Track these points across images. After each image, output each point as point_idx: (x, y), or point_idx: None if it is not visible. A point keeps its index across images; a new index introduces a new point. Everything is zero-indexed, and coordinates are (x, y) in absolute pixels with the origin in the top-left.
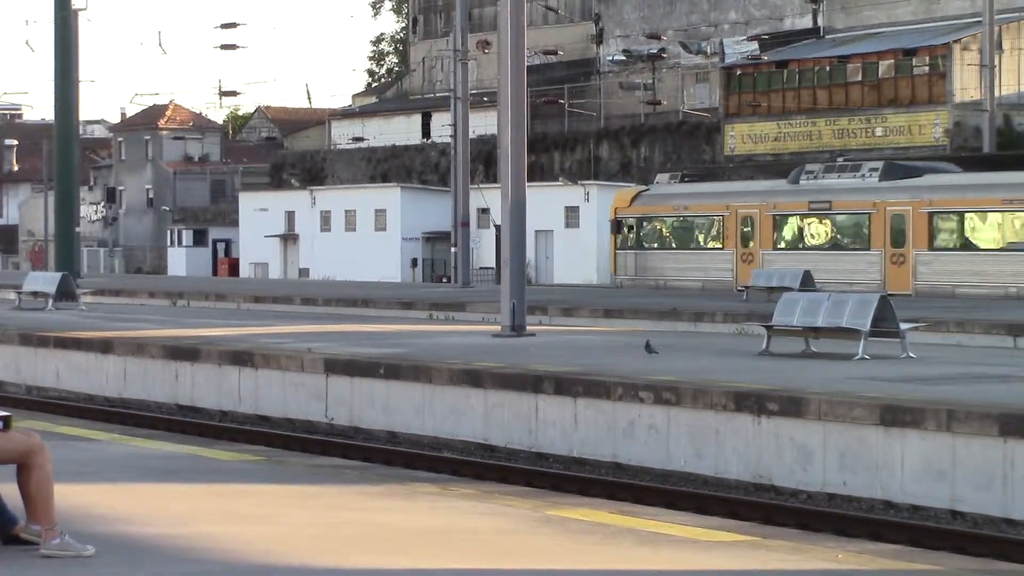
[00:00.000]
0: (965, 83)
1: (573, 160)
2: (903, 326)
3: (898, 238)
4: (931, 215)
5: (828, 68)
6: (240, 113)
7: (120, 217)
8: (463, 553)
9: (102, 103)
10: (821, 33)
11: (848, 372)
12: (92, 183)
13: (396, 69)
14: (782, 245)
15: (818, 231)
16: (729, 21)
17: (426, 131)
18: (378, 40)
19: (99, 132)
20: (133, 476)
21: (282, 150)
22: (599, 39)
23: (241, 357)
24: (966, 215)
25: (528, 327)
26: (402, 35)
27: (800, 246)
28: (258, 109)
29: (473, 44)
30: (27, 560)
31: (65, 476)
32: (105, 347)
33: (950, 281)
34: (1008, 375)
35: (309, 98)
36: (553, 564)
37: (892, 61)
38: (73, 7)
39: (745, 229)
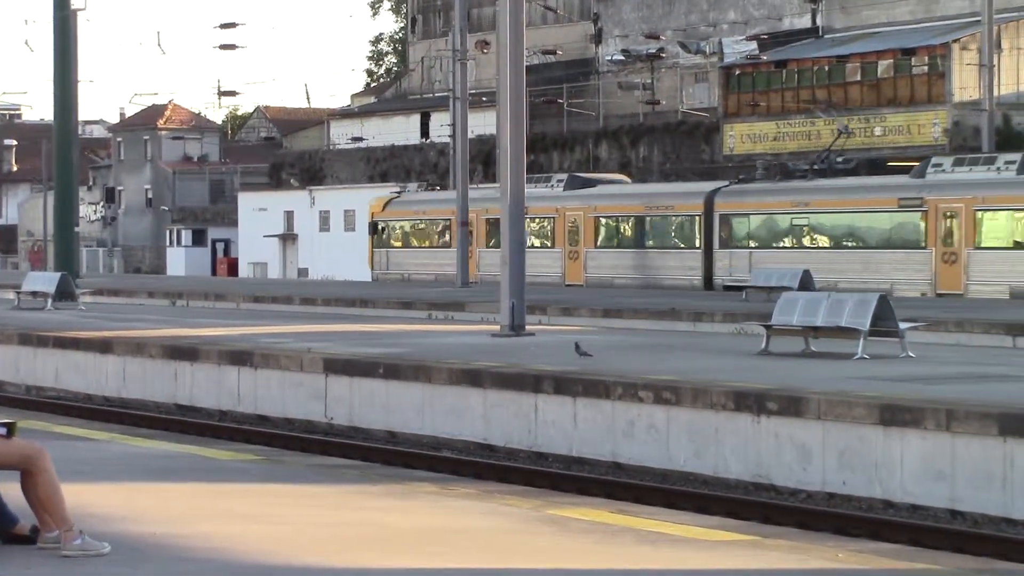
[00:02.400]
0: (964, 83)
1: (572, 160)
2: (902, 325)
3: (573, 237)
4: (596, 219)
5: (827, 68)
6: (239, 113)
7: (119, 217)
8: (463, 553)
9: (101, 103)
10: (820, 33)
11: (847, 371)
12: (91, 183)
13: (395, 69)
14: (492, 244)
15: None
16: (728, 21)
17: (425, 131)
18: (377, 40)
19: (98, 132)
20: (132, 475)
21: (281, 150)
22: (598, 39)
23: (240, 357)
24: (626, 220)
25: (527, 326)
26: (401, 35)
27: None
28: (257, 109)
29: (472, 44)
30: (25, 559)
31: (64, 476)
32: (104, 347)
33: (611, 273)
34: (1007, 375)
35: (308, 98)
36: (553, 564)
37: (891, 61)
38: (72, 7)
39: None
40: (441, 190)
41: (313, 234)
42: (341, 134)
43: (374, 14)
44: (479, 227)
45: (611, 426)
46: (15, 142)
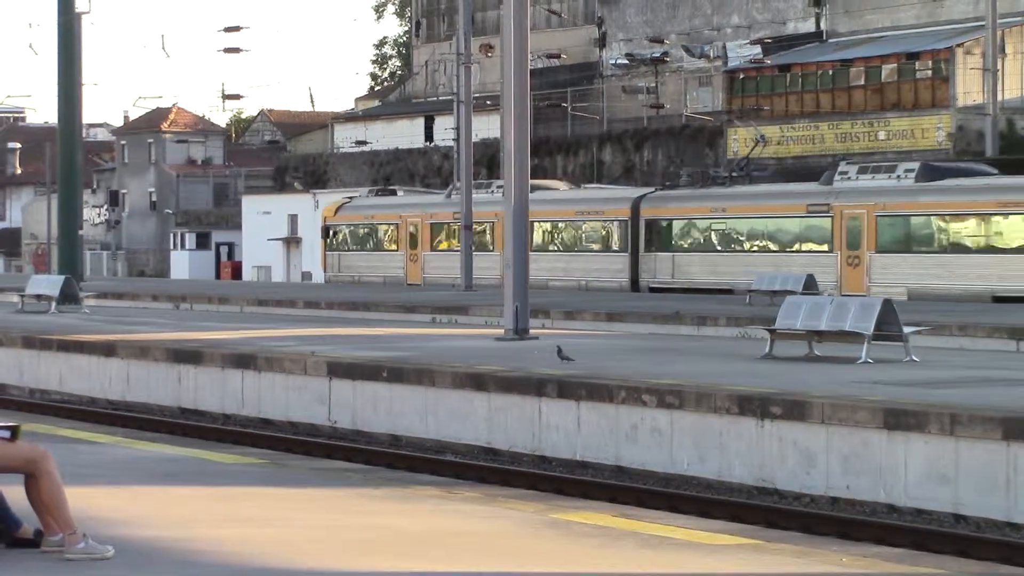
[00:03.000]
0: (968, 87)
1: (576, 163)
2: (906, 329)
3: (481, 242)
4: (532, 224)
5: (831, 72)
6: (243, 116)
7: (123, 220)
8: (466, 556)
9: (105, 106)
10: (824, 37)
11: (851, 376)
12: (95, 186)
13: (399, 72)
14: (439, 247)
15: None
16: (732, 25)
17: (429, 134)
18: (381, 43)
19: (102, 135)
20: (136, 479)
21: (285, 153)
22: (602, 43)
23: (244, 360)
24: (559, 224)
25: (531, 330)
26: (405, 38)
27: (453, 248)
28: (261, 112)
29: (476, 47)
30: (29, 562)
31: (68, 478)
32: (108, 350)
33: (547, 275)
34: (1011, 379)
35: (312, 101)
36: (556, 567)
37: (895, 65)
38: (76, 10)
39: (412, 234)
40: (391, 195)
41: (317, 238)
42: (345, 137)
43: (378, 18)
44: (423, 231)
45: (615, 430)
46: (19, 145)
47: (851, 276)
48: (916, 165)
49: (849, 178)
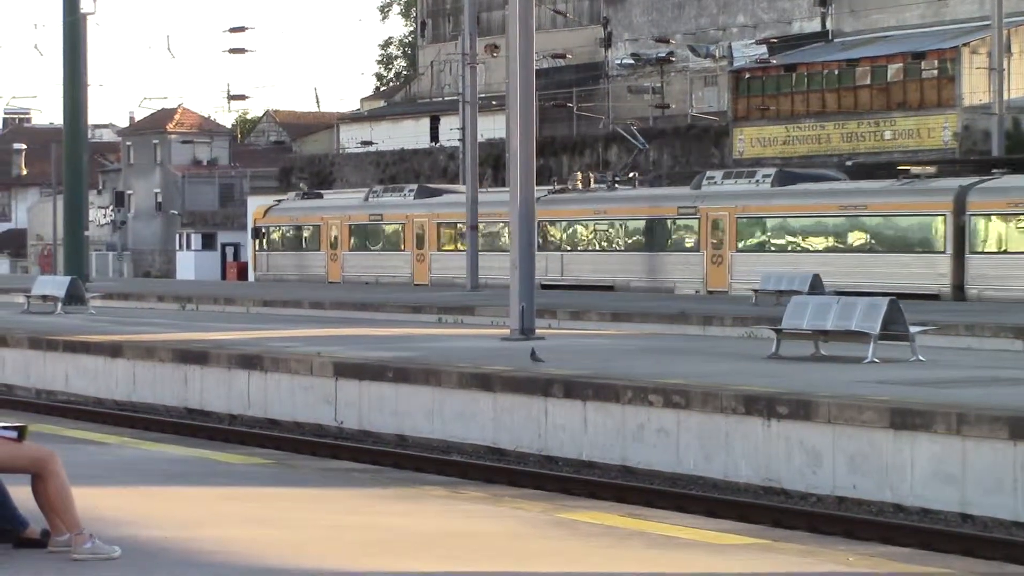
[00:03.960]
0: (974, 86)
1: (582, 163)
2: (913, 329)
3: (420, 241)
4: (439, 225)
5: (837, 71)
6: (248, 117)
7: (129, 221)
8: (473, 556)
9: (111, 107)
10: (830, 36)
11: (858, 375)
12: (101, 187)
13: (404, 73)
14: (354, 247)
15: (376, 236)
16: (737, 24)
17: (434, 135)
18: (386, 44)
19: (108, 136)
20: (142, 479)
21: (290, 154)
22: (607, 43)
23: (250, 361)
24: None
25: (537, 330)
26: (410, 39)
27: (368, 248)
28: (266, 113)
29: (481, 48)
30: (35, 563)
31: (74, 479)
32: (114, 351)
33: (452, 274)
34: (1018, 378)
35: (317, 102)
36: (563, 567)
37: (901, 64)
38: (82, 11)
39: (333, 235)
40: (317, 198)
41: None
42: (350, 138)
43: (384, 18)
44: (343, 232)
45: (621, 430)
46: (25, 146)
47: (715, 273)
48: (773, 171)
49: (715, 183)
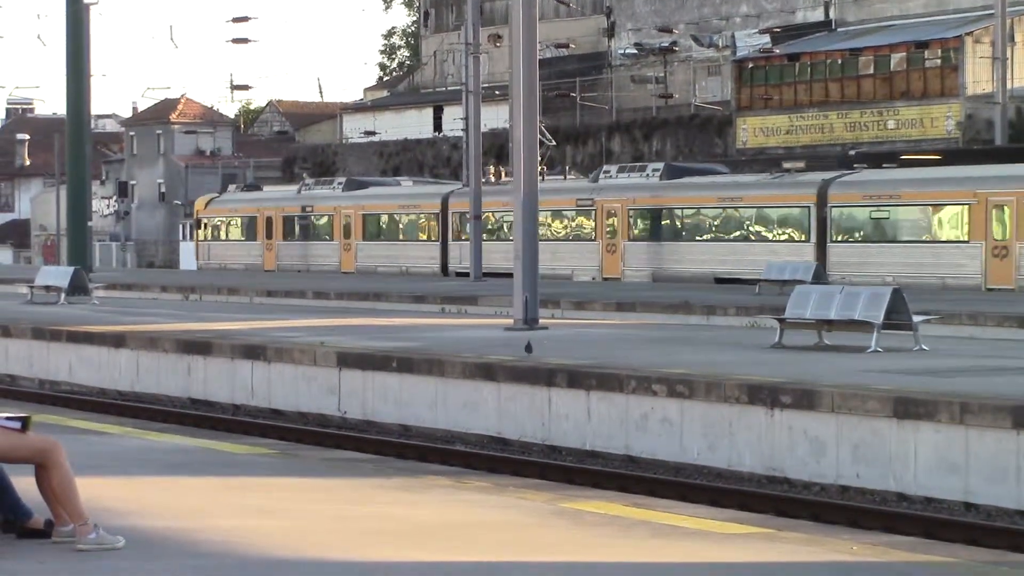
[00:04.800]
0: (977, 76)
1: (585, 153)
2: (916, 318)
3: (347, 231)
4: (364, 216)
5: (840, 61)
6: (252, 107)
7: (132, 211)
8: (478, 546)
9: (114, 97)
10: (833, 26)
11: (861, 365)
12: (104, 177)
13: (408, 63)
14: (287, 237)
15: (307, 226)
16: (741, 14)
17: (438, 125)
18: (390, 34)
19: (111, 126)
20: (146, 469)
21: (294, 144)
22: (611, 32)
23: (254, 351)
24: (385, 217)
25: (540, 320)
26: (414, 29)
27: (300, 238)
28: (270, 103)
29: (485, 38)
30: (40, 553)
31: (78, 469)
32: (118, 341)
33: (376, 262)
34: (1021, 367)
35: (321, 92)
36: (567, 557)
37: (904, 54)
38: (84, 1)
39: (269, 226)
40: (257, 191)
41: None
42: (353, 128)
43: (387, 8)
44: (276, 223)
45: (625, 419)
46: (27, 136)
47: (610, 261)
48: (662, 165)
49: (611, 177)
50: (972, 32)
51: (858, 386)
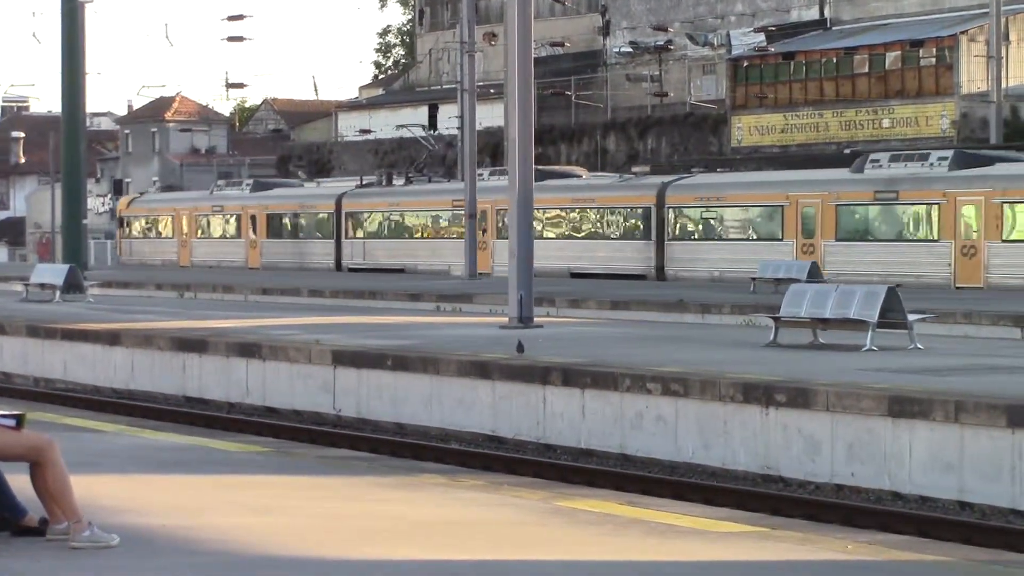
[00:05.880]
0: (972, 74)
1: (580, 152)
2: (911, 317)
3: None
4: (268, 216)
5: (835, 60)
6: (247, 105)
7: None
8: (472, 544)
9: (109, 95)
10: (828, 24)
11: (856, 363)
12: (99, 175)
13: (403, 61)
14: (200, 235)
15: (218, 225)
16: (736, 13)
17: (433, 123)
18: (385, 32)
19: (106, 124)
20: (141, 467)
21: (289, 142)
22: (606, 31)
23: (249, 349)
24: (287, 217)
25: (535, 318)
26: (409, 27)
27: (211, 236)
28: (265, 101)
29: (480, 36)
30: (34, 551)
31: (73, 467)
32: (113, 339)
33: (279, 259)
34: (1016, 366)
35: (316, 90)
36: (562, 555)
37: (899, 52)
38: None
39: (183, 225)
40: (177, 191)
41: None
42: (349, 126)
43: (382, 6)
44: (191, 222)
45: (619, 418)
46: (23, 134)
47: (481, 258)
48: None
49: (483, 179)
50: (967, 31)
51: (853, 385)
